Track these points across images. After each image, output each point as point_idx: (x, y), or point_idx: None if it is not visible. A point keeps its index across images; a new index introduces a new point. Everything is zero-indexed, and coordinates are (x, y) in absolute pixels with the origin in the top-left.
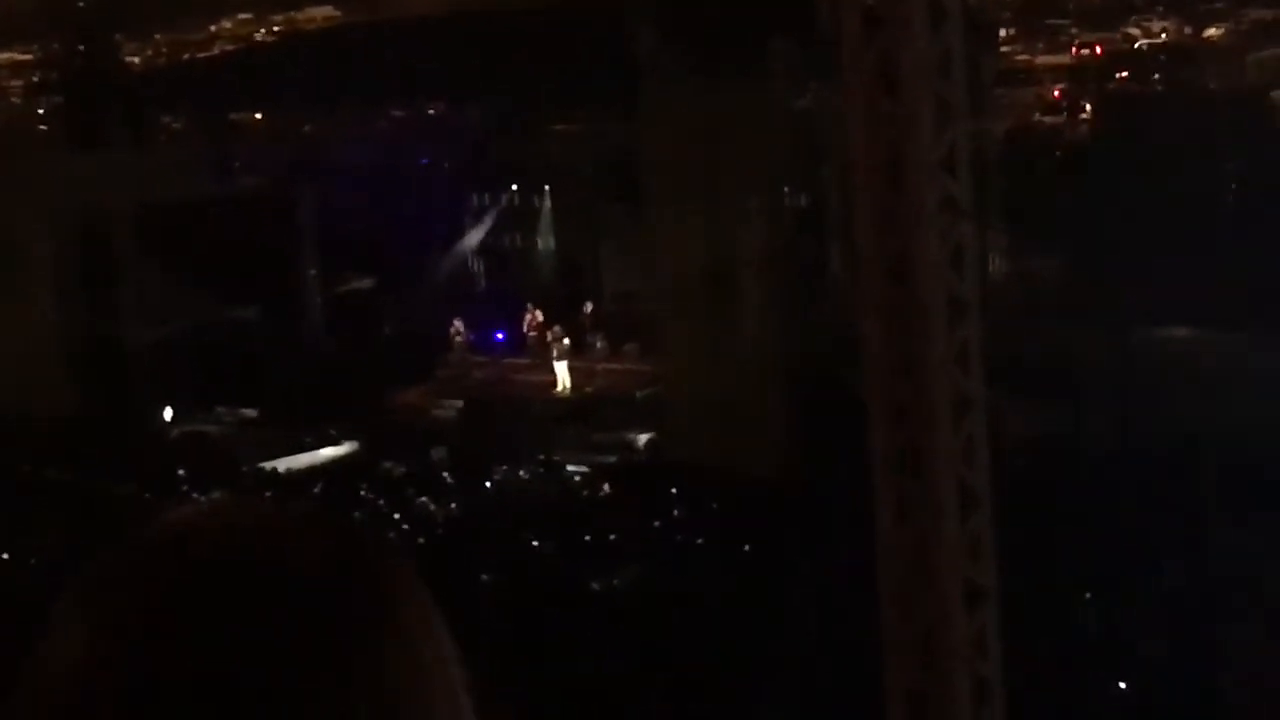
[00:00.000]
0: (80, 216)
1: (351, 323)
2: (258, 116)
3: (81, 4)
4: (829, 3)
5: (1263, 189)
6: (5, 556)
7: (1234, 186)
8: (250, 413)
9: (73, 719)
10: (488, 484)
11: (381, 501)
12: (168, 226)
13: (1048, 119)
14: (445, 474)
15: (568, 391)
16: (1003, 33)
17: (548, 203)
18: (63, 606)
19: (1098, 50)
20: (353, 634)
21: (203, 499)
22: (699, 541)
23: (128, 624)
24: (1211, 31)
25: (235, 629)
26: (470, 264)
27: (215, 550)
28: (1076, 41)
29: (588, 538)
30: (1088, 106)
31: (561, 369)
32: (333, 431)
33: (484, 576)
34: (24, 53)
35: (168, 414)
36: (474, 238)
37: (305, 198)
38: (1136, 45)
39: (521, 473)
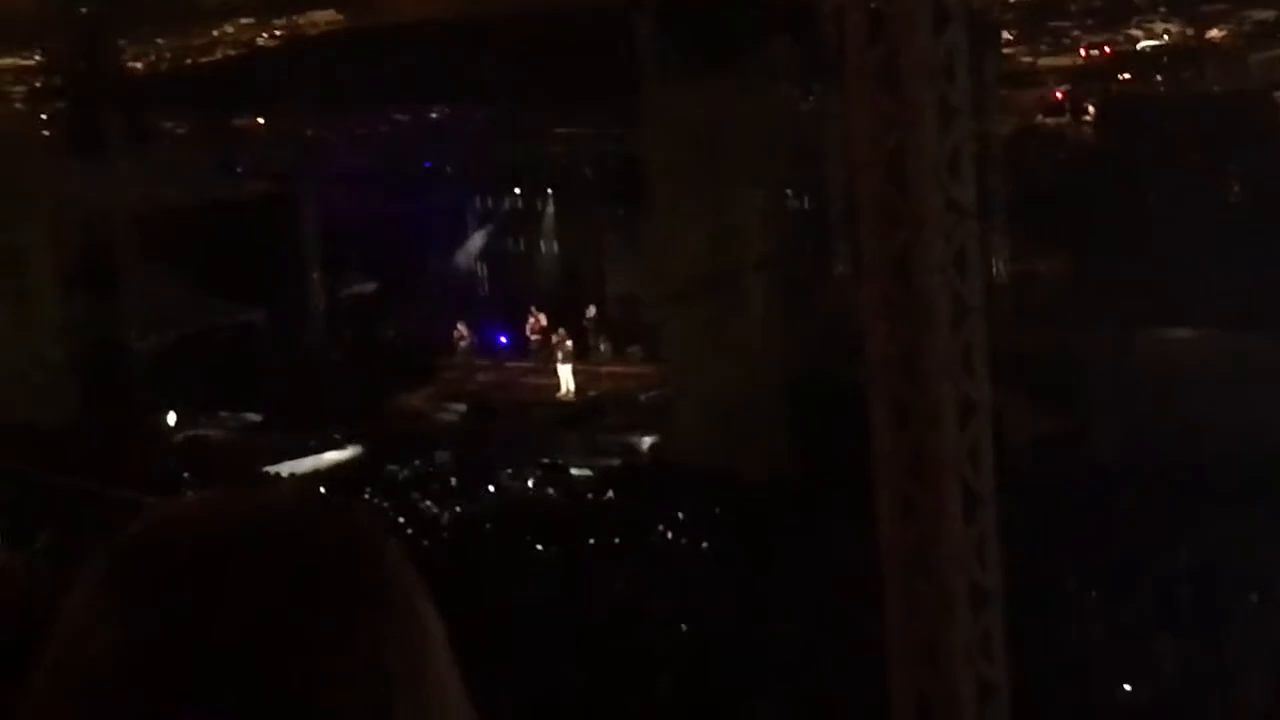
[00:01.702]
0: (82, 221)
1: (355, 327)
2: (260, 121)
3: (84, 9)
4: (832, 3)
5: (1266, 189)
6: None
7: (1237, 187)
8: (254, 417)
9: (120, 698)
10: (491, 487)
11: (385, 505)
12: (170, 231)
13: (1051, 120)
14: (449, 477)
15: (571, 395)
16: (1005, 35)
17: (550, 206)
18: (90, 589)
19: (1106, 50)
20: (364, 607)
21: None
22: (704, 545)
23: (159, 602)
24: (1214, 33)
25: (251, 604)
26: (473, 267)
27: (230, 530)
28: (1083, 43)
29: (591, 541)
30: (1090, 108)
31: (565, 372)
32: (336, 435)
33: (487, 580)
34: (26, 58)
35: (171, 419)
36: (477, 241)
37: (308, 202)
38: (1139, 46)
39: (525, 476)
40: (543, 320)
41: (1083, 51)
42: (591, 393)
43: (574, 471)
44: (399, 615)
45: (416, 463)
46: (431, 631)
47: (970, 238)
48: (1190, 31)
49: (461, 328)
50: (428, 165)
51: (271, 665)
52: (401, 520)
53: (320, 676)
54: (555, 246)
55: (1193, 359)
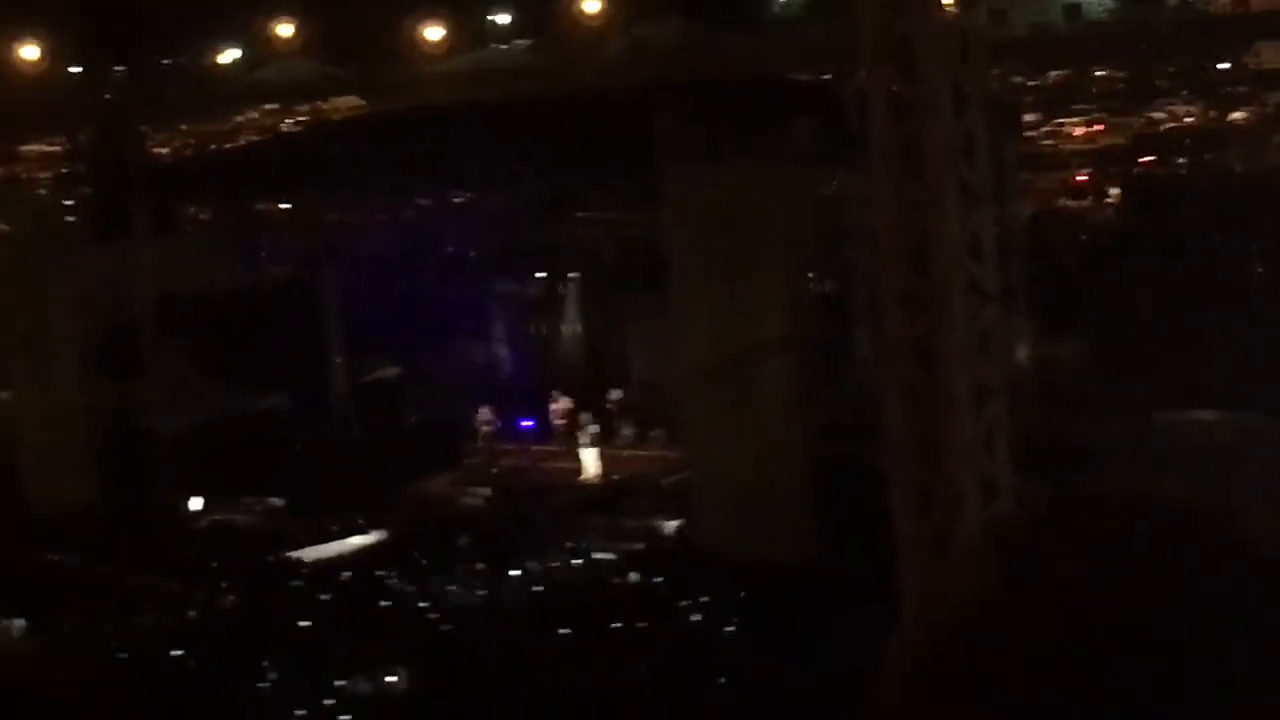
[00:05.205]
0: (107, 307)
1: (378, 411)
2: (284, 206)
3: (108, 96)
4: (854, 89)
5: None
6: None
7: (1260, 268)
8: (277, 502)
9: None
10: (515, 572)
11: (409, 590)
12: (194, 316)
13: (1073, 203)
14: (473, 562)
15: (595, 479)
16: (1027, 118)
17: (573, 290)
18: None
19: (1127, 132)
20: None
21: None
22: (728, 628)
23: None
24: (1236, 115)
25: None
26: (496, 352)
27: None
28: (1102, 125)
29: (616, 625)
30: (1113, 190)
31: (588, 456)
32: (360, 520)
33: (512, 664)
34: (51, 145)
35: (195, 504)
36: (500, 326)
37: (331, 287)
38: (1162, 129)
39: (549, 560)
40: (566, 404)
41: (1092, 127)
42: (615, 476)
43: (598, 555)
44: None
45: (440, 547)
46: None
47: (992, 320)
48: (1213, 114)
49: (485, 412)
50: (450, 250)
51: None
52: (425, 605)
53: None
54: (578, 330)
55: (1216, 441)
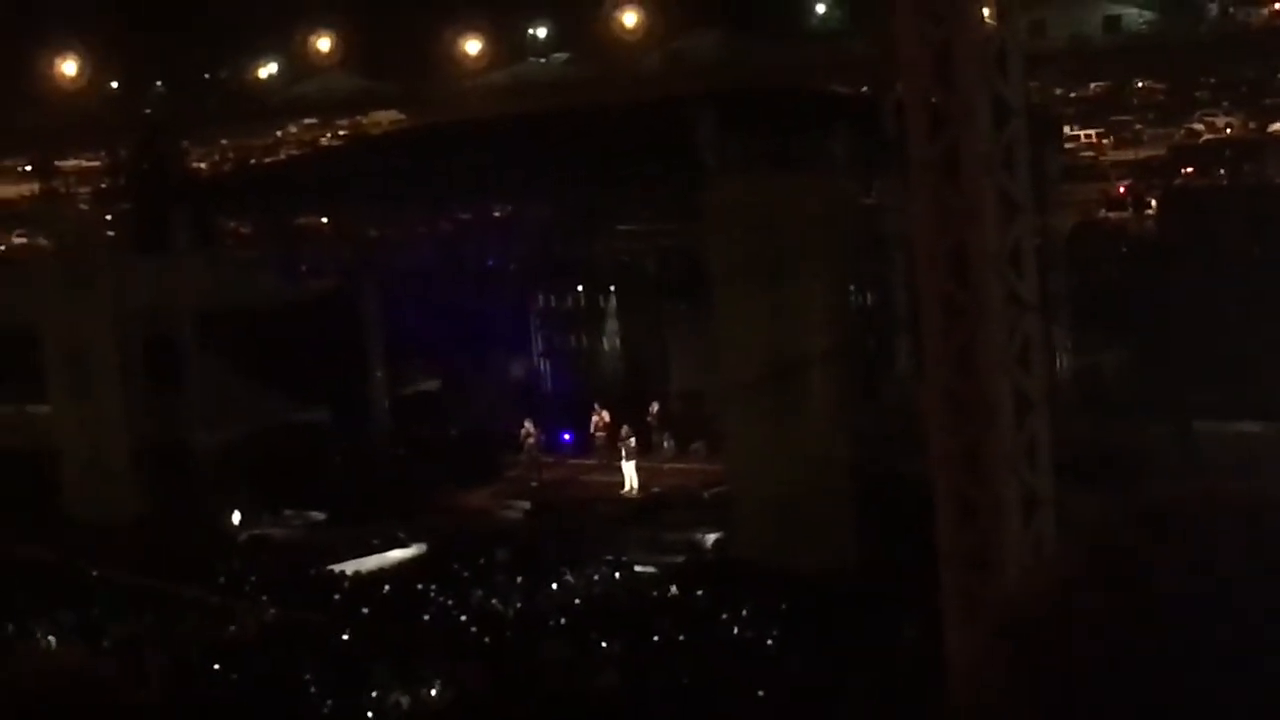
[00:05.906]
0: (147, 321)
1: (418, 424)
2: (324, 220)
3: (148, 111)
4: (894, 99)
5: None
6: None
7: None
8: (318, 515)
9: None
10: (555, 584)
11: (449, 602)
12: (234, 330)
13: (1113, 214)
14: (513, 575)
15: (635, 491)
16: (1067, 129)
17: (613, 303)
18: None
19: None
20: None
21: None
22: (769, 640)
23: None
24: (1276, 126)
25: None
26: (536, 365)
27: None
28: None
29: (656, 637)
30: (1153, 201)
31: (629, 469)
32: (400, 534)
33: (552, 677)
34: (92, 160)
35: (235, 517)
36: (540, 338)
37: (371, 300)
38: (1202, 140)
39: (589, 573)
40: (606, 417)
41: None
42: (655, 489)
43: (638, 568)
44: None
45: (480, 560)
46: None
47: (1033, 331)
48: (1252, 125)
49: (529, 425)
50: (490, 263)
51: None
52: (465, 618)
53: None
54: (618, 343)
55: (1257, 453)
